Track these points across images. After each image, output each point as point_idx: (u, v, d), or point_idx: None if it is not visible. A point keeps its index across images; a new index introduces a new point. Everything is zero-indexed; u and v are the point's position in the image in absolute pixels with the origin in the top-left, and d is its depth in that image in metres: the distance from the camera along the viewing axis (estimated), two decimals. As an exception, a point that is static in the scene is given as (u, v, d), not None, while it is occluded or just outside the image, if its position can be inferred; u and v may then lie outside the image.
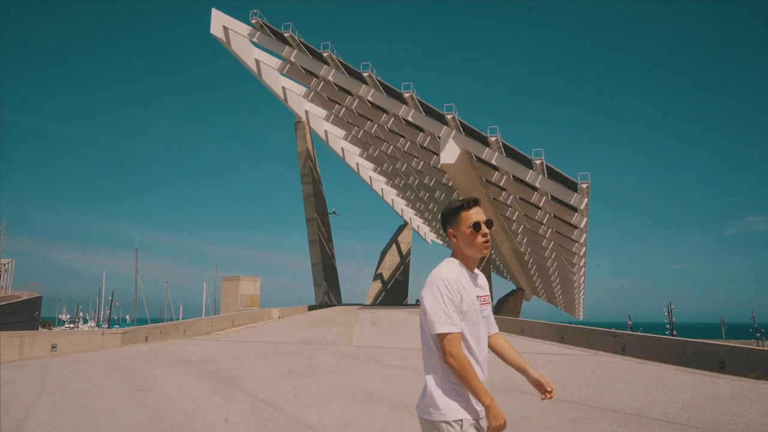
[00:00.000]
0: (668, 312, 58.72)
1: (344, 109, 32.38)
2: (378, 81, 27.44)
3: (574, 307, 56.70)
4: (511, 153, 24.93)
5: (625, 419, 5.40)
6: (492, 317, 2.41)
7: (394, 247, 56.94)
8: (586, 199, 23.69)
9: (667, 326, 56.26)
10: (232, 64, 41.31)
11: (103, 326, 68.04)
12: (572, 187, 24.01)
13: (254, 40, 31.26)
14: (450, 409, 2.10)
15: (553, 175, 24.32)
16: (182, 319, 44.70)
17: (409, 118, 27.40)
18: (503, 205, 30.30)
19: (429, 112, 26.88)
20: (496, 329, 2.44)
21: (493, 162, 25.46)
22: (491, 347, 2.45)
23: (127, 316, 77.33)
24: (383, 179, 46.77)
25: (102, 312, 79.89)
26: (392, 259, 56.51)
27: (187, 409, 6.04)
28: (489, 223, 2.26)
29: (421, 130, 28.69)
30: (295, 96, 36.93)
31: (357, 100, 30.22)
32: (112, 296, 77.20)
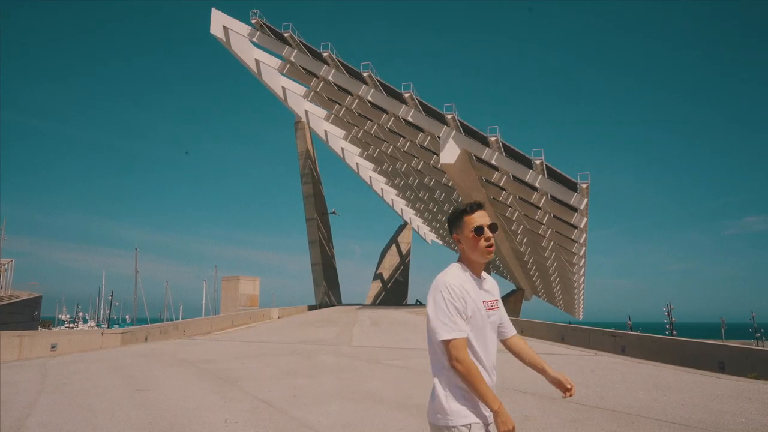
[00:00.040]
0: (668, 312, 58.75)
1: (344, 109, 32.38)
2: (378, 81, 27.44)
3: (573, 307, 56.69)
4: (511, 153, 24.92)
5: (624, 419, 5.40)
6: (506, 320, 2.40)
7: (393, 247, 56.92)
8: (586, 199, 23.70)
9: (667, 326, 56.30)
10: (232, 64, 41.29)
11: (102, 326, 68.01)
12: (572, 187, 24.01)
13: (254, 40, 31.25)
14: (457, 414, 2.09)
15: (553, 175, 24.32)
16: (182, 319, 44.72)
17: (409, 118, 27.40)
18: (503, 205, 30.29)
19: (429, 112, 26.88)
20: (512, 332, 2.43)
21: (493, 162, 25.45)
22: (509, 349, 2.45)
23: (127, 316, 77.43)
24: (383, 179, 46.75)
25: (102, 312, 79.91)
26: (392, 259, 56.48)
27: (187, 409, 6.05)
28: (493, 227, 2.24)
29: (420, 130, 28.68)
30: (295, 96, 36.92)
31: (357, 100, 30.21)
32: (111, 296, 77.39)
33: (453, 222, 2.30)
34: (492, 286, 2.31)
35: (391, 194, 50.87)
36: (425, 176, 35.69)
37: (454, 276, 2.19)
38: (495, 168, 26.86)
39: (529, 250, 37.67)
